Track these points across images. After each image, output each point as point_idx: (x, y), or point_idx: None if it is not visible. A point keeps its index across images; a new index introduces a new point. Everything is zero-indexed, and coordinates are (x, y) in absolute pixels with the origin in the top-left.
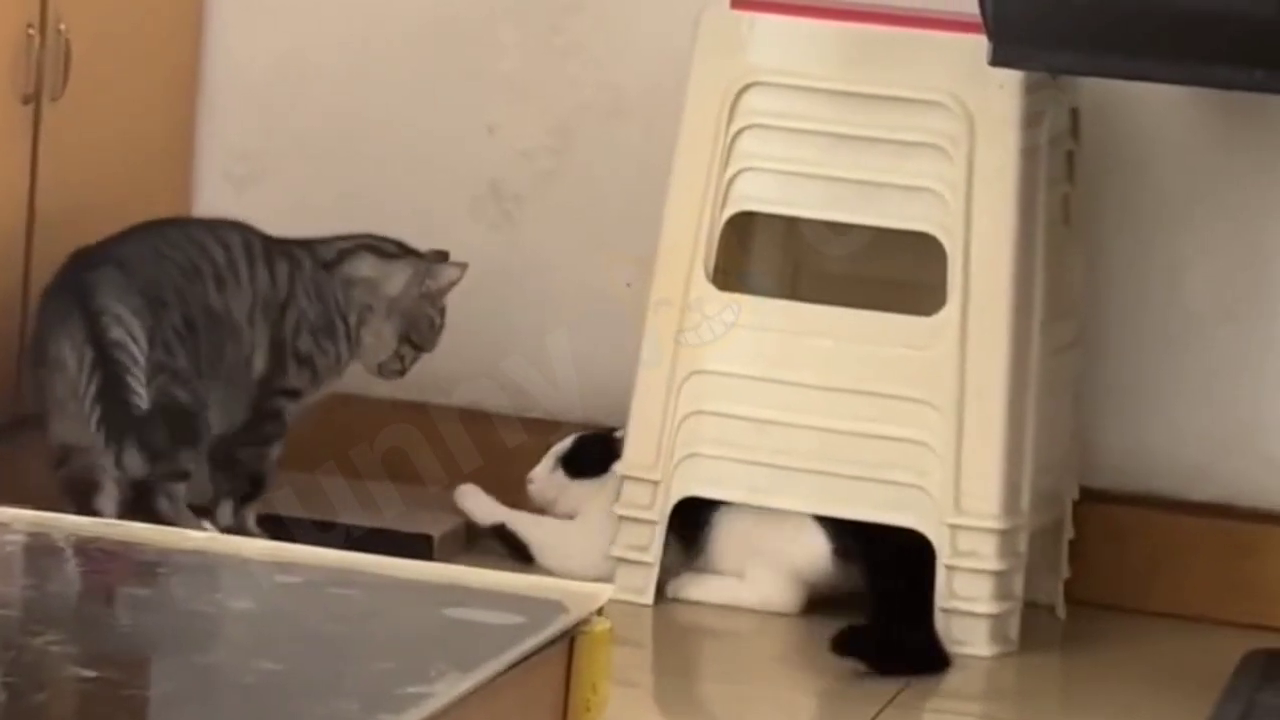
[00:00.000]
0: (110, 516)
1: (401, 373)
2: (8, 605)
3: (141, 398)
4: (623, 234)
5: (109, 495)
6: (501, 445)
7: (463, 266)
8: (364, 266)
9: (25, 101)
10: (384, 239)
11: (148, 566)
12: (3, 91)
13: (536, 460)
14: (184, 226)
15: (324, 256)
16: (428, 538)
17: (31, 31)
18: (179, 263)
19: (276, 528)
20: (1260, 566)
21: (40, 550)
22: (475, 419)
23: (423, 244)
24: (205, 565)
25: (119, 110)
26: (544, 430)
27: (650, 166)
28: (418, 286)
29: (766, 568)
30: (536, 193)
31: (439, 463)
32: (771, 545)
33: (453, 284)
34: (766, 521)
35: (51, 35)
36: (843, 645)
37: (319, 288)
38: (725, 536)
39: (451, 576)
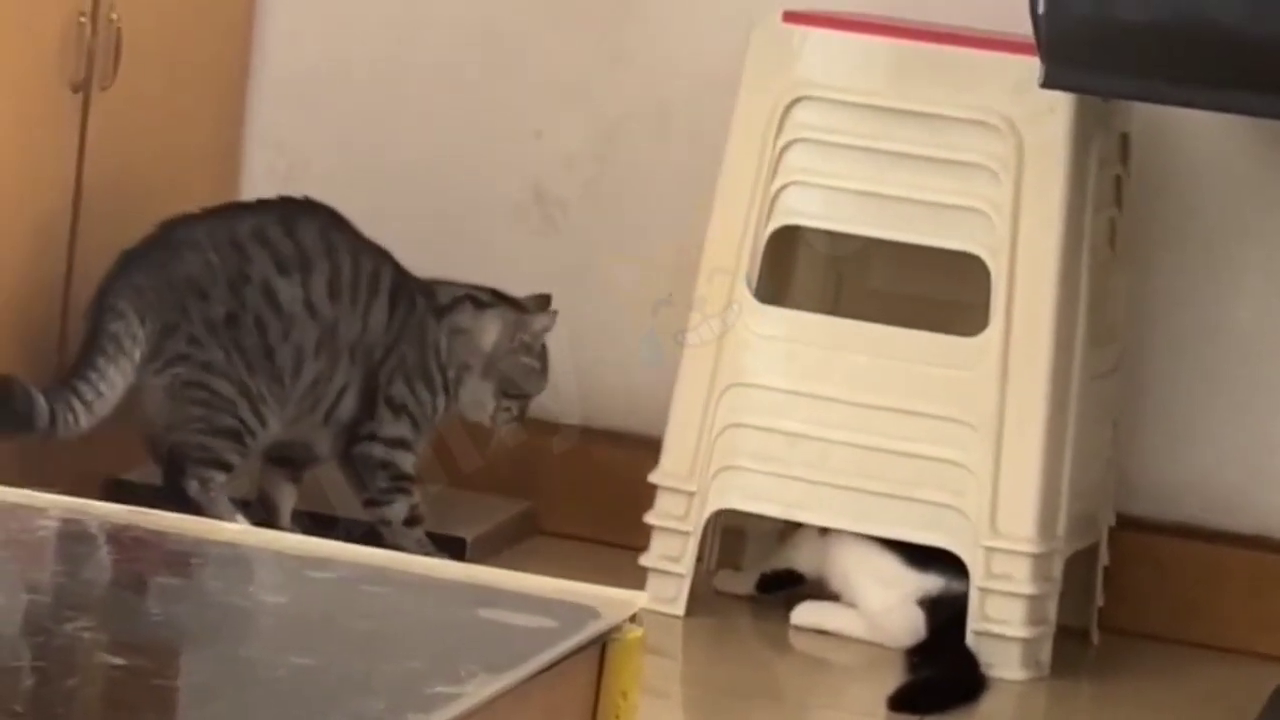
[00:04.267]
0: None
1: (517, 420)
2: (39, 590)
3: (97, 378)
4: (665, 244)
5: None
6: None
7: (553, 314)
8: (465, 318)
9: (75, 90)
10: (481, 288)
11: (180, 556)
12: (52, 79)
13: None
14: (336, 224)
15: (439, 301)
16: (461, 540)
17: (83, 20)
18: (276, 252)
19: (311, 524)
20: None
21: (73, 536)
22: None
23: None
24: (238, 557)
25: (168, 101)
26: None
27: (695, 177)
28: (509, 340)
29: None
30: (580, 199)
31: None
32: (862, 599)
33: (545, 332)
34: (864, 575)
35: (103, 24)
36: (902, 703)
37: (423, 333)
38: (833, 563)
39: (484, 578)
